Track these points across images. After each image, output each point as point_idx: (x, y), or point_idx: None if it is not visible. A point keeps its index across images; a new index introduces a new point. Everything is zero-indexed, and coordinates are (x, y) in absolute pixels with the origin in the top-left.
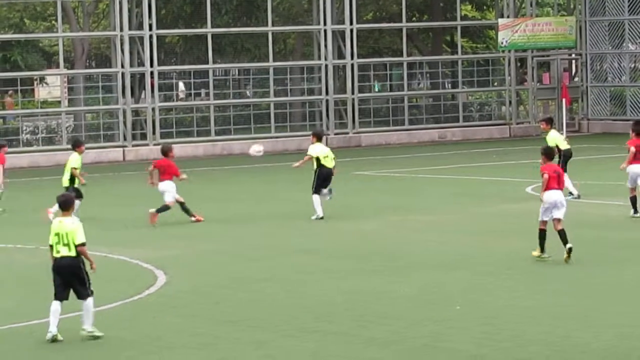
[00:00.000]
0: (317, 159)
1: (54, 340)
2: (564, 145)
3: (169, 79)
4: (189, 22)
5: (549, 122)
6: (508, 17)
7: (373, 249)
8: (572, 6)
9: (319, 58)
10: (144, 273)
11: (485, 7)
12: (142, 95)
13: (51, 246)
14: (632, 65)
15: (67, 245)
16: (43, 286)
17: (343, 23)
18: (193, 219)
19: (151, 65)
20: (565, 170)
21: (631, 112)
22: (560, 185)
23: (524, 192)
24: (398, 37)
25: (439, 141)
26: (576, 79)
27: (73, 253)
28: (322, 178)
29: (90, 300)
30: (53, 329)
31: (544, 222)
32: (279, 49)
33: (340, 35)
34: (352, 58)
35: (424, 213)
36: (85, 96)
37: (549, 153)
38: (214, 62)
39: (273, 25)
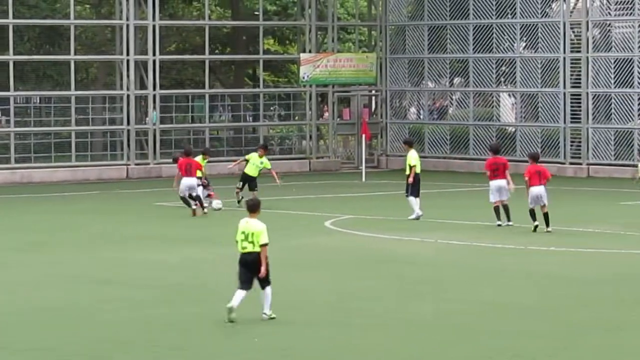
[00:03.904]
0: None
1: (230, 311)
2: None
3: None
4: None
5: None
6: (310, 52)
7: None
8: (373, 43)
9: (121, 88)
10: None
11: (287, 42)
12: None
13: (237, 242)
14: (431, 103)
15: (252, 242)
16: None
17: (146, 54)
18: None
19: None
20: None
21: (429, 149)
22: None
23: (323, 226)
24: (201, 69)
25: (239, 174)
26: (376, 115)
27: (257, 249)
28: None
29: (268, 289)
30: (235, 302)
31: None
32: (81, 78)
33: (143, 66)
34: (154, 89)
35: (223, 245)
36: None
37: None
38: (16, 89)
39: (76, 53)
